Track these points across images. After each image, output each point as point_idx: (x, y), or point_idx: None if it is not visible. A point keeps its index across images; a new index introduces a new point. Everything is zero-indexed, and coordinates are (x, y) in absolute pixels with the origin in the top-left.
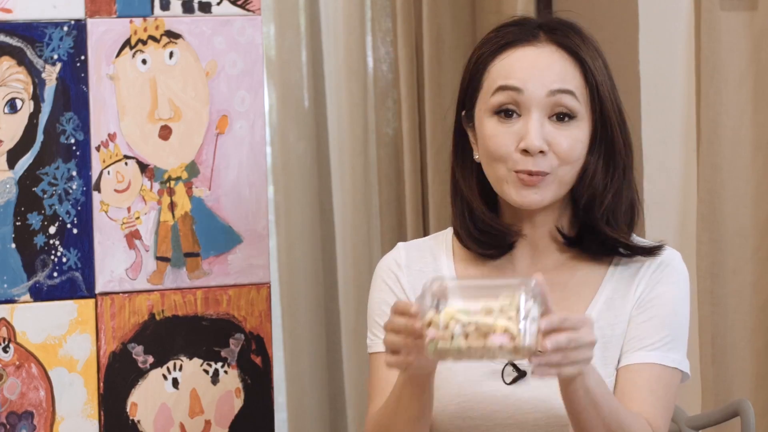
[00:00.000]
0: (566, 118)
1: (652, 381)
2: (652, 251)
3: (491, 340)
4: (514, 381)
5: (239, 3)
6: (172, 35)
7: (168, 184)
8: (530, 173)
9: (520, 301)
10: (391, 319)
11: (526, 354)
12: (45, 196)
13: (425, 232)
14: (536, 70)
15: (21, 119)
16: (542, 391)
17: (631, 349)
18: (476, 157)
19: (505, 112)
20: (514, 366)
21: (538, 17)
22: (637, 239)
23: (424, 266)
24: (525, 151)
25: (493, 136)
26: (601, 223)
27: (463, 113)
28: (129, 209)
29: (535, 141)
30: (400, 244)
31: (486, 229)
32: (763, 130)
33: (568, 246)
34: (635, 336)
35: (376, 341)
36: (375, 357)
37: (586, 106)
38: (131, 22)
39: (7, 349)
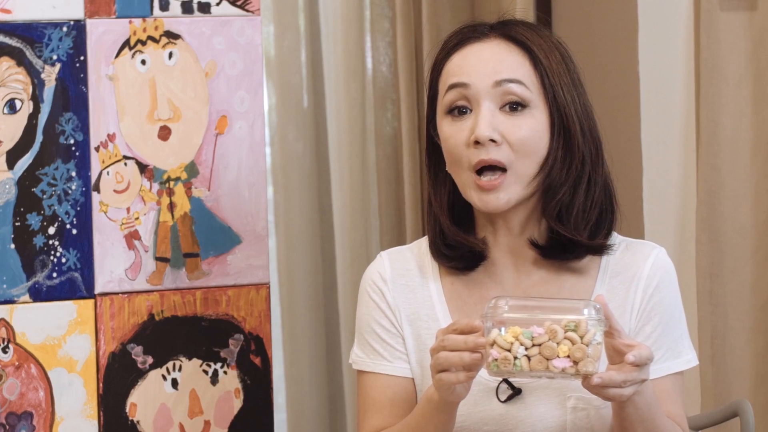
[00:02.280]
0: (518, 107)
1: (671, 390)
2: (599, 250)
3: (554, 364)
4: (509, 398)
5: (238, 3)
6: (172, 36)
7: (167, 185)
8: (483, 163)
9: (584, 326)
10: (447, 338)
11: (588, 376)
12: (44, 196)
13: (424, 233)
14: (481, 63)
15: (20, 120)
16: (537, 409)
17: None
18: (448, 168)
19: (458, 110)
20: (509, 383)
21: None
22: (618, 238)
23: (410, 280)
24: (477, 143)
25: (449, 137)
26: (549, 216)
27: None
28: (128, 210)
29: (484, 130)
30: (383, 254)
31: (453, 244)
32: (762, 130)
33: (545, 254)
34: None
35: (366, 361)
36: (365, 377)
37: (539, 95)
38: (130, 22)
39: (7, 350)
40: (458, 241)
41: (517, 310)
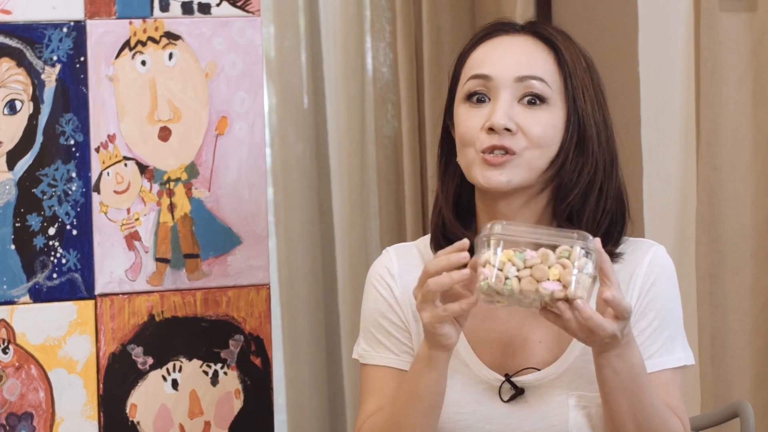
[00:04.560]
0: (537, 101)
1: (667, 384)
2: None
3: (543, 286)
4: (512, 398)
5: (239, 4)
6: (172, 36)
7: (167, 186)
8: (494, 147)
9: (577, 253)
10: (430, 262)
11: (574, 300)
12: (44, 197)
13: (424, 233)
14: (505, 57)
15: (20, 120)
16: (540, 408)
17: None
18: (458, 151)
19: (477, 98)
20: (512, 384)
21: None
22: (629, 239)
23: (416, 276)
24: (491, 129)
25: (464, 119)
26: (560, 218)
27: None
28: (128, 210)
29: (500, 119)
30: (390, 250)
31: (452, 239)
32: (762, 131)
33: None
34: (641, 345)
35: (372, 354)
36: (369, 369)
37: (560, 94)
38: (131, 23)
39: (7, 351)
40: (457, 236)
41: (513, 233)
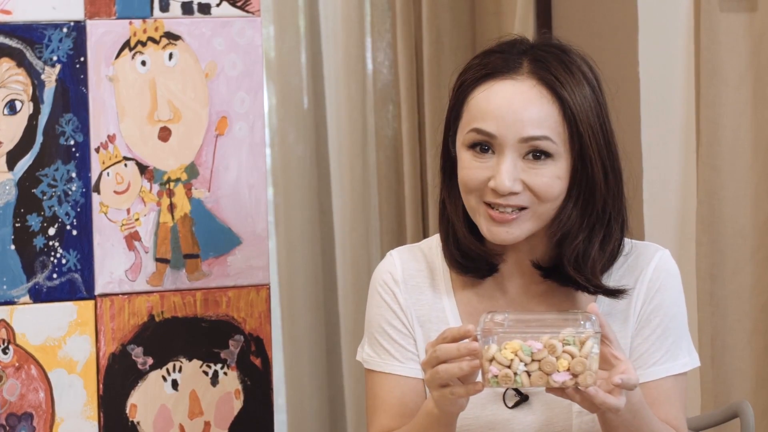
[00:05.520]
0: (542, 157)
1: (669, 392)
2: (614, 294)
3: (554, 379)
4: (516, 404)
5: (239, 4)
6: (172, 36)
7: (167, 186)
8: (497, 207)
9: (582, 339)
10: (440, 348)
11: (586, 388)
12: (44, 197)
13: (425, 234)
14: (510, 113)
15: (20, 121)
16: (544, 415)
17: (643, 365)
18: (460, 189)
19: (480, 147)
20: (516, 390)
21: (532, 39)
22: (634, 243)
23: (421, 281)
24: (494, 191)
25: (467, 168)
26: (567, 264)
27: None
28: (128, 211)
29: (505, 182)
30: (393, 253)
31: (468, 254)
32: (762, 131)
33: (548, 275)
34: (645, 352)
35: (377, 360)
36: (375, 376)
37: (564, 145)
38: (131, 23)
39: (7, 351)
40: (473, 251)
41: (514, 324)
